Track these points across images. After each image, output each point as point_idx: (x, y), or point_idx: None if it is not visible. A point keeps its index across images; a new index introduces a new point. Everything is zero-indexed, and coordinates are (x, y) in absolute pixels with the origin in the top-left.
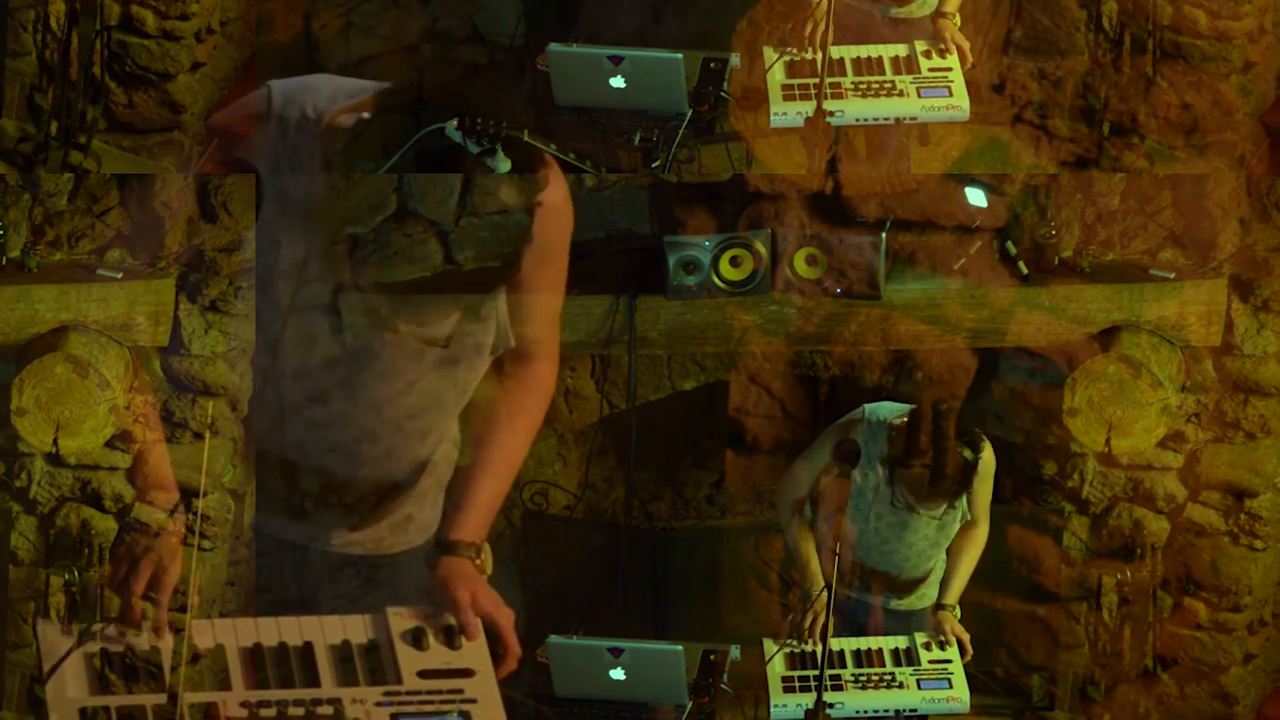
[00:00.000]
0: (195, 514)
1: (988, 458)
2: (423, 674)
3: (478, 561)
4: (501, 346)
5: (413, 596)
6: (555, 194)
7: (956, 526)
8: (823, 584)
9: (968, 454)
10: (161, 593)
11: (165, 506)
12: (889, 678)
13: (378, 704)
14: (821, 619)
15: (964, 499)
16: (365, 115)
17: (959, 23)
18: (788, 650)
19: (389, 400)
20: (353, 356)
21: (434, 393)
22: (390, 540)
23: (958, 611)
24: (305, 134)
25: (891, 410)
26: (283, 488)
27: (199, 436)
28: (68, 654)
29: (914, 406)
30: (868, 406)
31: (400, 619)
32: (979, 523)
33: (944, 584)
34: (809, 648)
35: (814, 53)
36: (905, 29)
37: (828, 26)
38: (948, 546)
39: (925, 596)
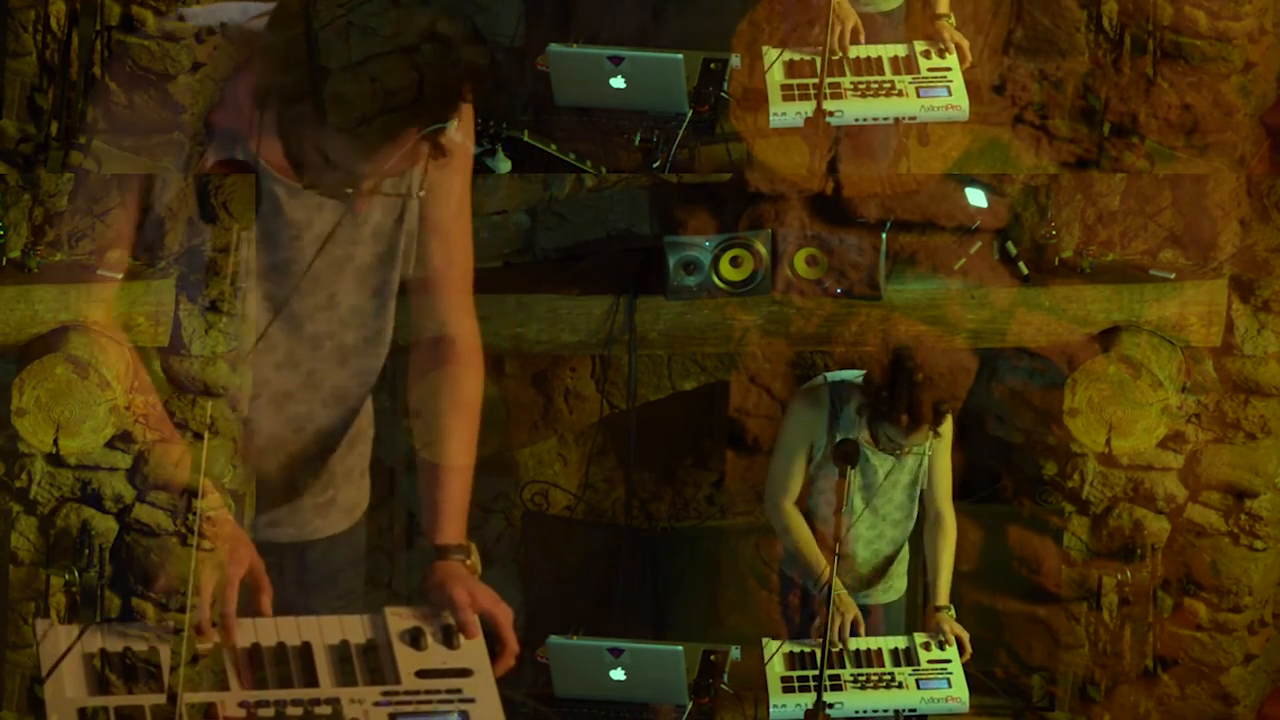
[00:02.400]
0: (195, 514)
1: (946, 427)
2: (421, 673)
3: (468, 563)
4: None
5: (331, 584)
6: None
7: (918, 491)
8: (839, 583)
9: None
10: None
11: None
12: (888, 677)
13: (376, 704)
14: (848, 618)
15: (926, 460)
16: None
17: (954, 22)
18: (789, 650)
19: (322, 325)
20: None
21: (360, 310)
22: (315, 524)
23: (952, 611)
24: (227, 39)
25: (854, 375)
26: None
27: (199, 436)
28: (66, 654)
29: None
30: (827, 374)
31: (398, 619)
32: (943, 513)
33: (931, 586)
34: (842, 648)
35: (841, 53)
36: (888, 23)
37: (827, 25)
38: (924, 547)
39: (893, 589)
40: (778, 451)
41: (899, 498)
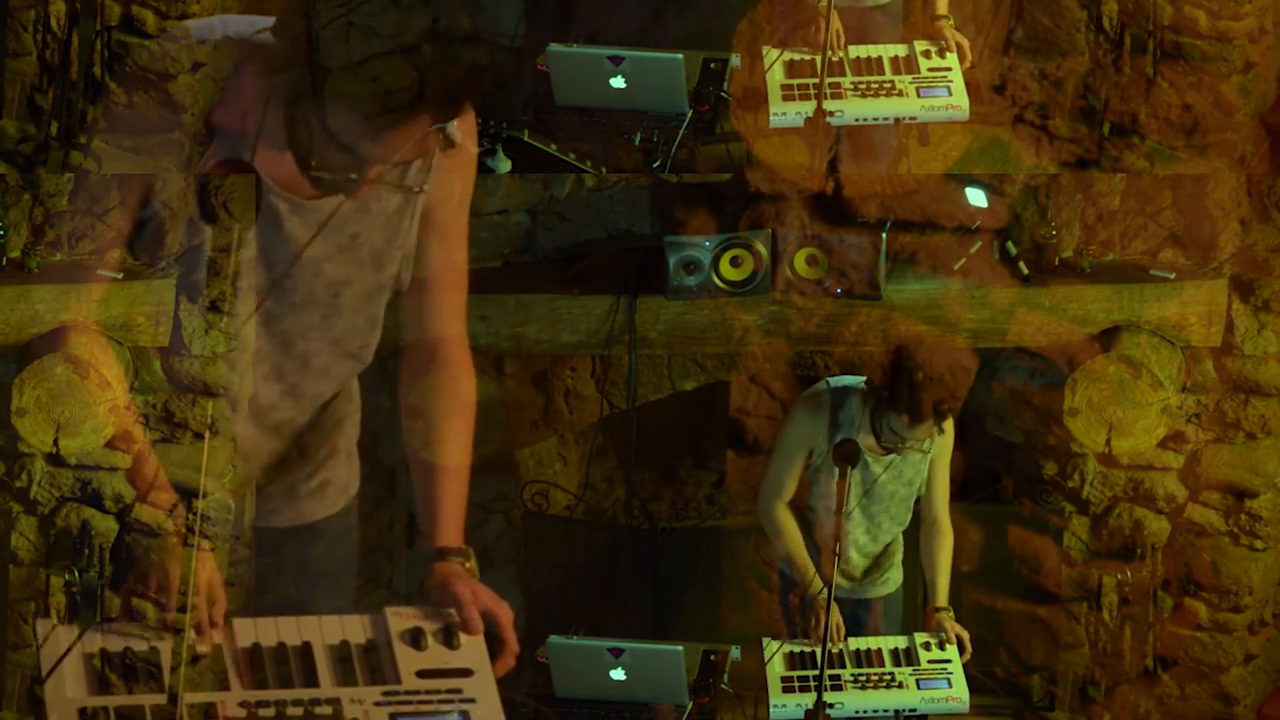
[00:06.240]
0: (195, 514)
1: (948, 430)
2: (421, 674)
3: (467, 565)
4: (404, 280)
5: (340, 566)
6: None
7: (914, 499)
8: (820, 584)
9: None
10: (168, 595)
11: (165, 506)
12: (888, 677)
13: (376, 704)
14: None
15: (925, 470)
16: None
17: (953, 23)
18: (789, 650)
19: (313, 344)
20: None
21: (354, 329)
22: (312, 508)
23: (951, 612)
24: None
25: (856, 380)
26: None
27: (199, 436)
28: (66, 654)
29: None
30: (829, 380)
31: (399, 618)
32: (940, 520)
33: (931, 589)
34: (819, 648)
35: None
36: (889, 19)
37: (827, 25)
38: (922, 554)
39: (890, 580)
40: (776, 453)
41: (895, 507)
